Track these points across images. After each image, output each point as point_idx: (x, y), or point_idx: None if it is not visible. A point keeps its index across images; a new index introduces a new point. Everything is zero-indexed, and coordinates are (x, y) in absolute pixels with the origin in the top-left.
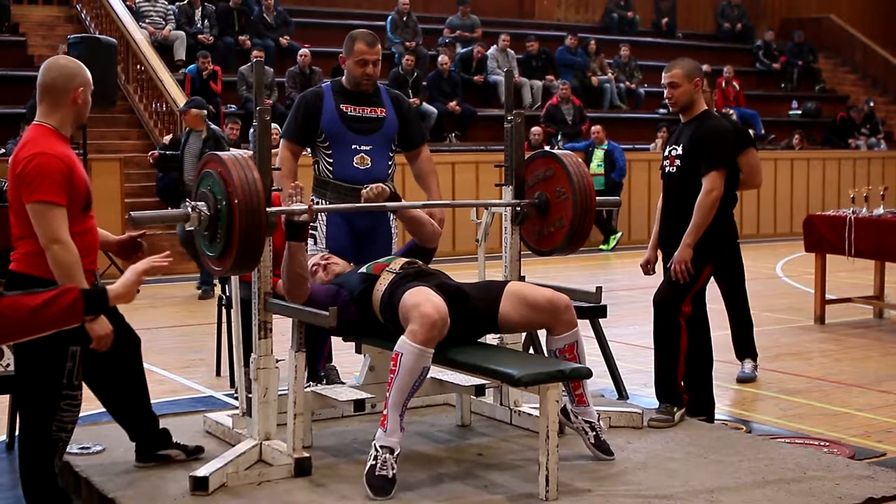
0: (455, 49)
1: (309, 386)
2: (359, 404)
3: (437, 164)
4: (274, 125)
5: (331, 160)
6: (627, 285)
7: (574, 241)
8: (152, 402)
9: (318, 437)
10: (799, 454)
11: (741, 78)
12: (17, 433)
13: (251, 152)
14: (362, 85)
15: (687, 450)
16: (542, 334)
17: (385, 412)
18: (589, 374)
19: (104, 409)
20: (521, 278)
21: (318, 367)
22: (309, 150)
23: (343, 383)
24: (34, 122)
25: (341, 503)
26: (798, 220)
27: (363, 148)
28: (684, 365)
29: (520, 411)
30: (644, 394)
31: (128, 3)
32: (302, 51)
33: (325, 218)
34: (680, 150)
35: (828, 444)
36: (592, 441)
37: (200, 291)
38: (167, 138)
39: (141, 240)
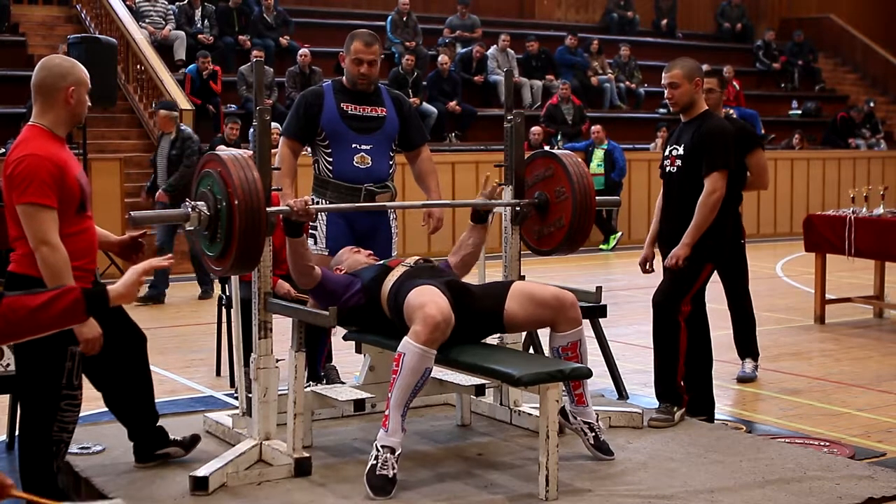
0: (455, 49)
1: (309, 386)
2: (359, 404)
3: (437, 164)
4: (274, 124)
5: (331, 159)
6: (627, 285)
7: (574, 240)
8: None
9: (318, 437)
10: (799, 454)
11: (741, 78)
12: (17, 433)
13: (251, 152)
14: (359, 84)
15: (687, 450)
16: (542, 335)
17: (387, 412)
18: (589, 373)
19: (104, 409)
20: (521, 278)
21: (318, 366)
22: (309, 149)
23: (343, 383)
24: (28, 123)
25: (341, 503)
26: (798, 220)
27: (363, 147)
28: (684, 365)
29: (520, 411)
30: (644, 394)
31: (128, 3)
32: (302, 51)
33: (325, 217)
34: (681, 150)
35: (828, 444)
36: (592, 442)
37: (201, 291)
38: None
39: (141, 240)
